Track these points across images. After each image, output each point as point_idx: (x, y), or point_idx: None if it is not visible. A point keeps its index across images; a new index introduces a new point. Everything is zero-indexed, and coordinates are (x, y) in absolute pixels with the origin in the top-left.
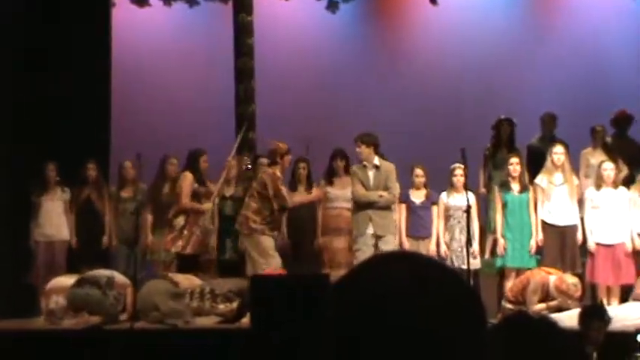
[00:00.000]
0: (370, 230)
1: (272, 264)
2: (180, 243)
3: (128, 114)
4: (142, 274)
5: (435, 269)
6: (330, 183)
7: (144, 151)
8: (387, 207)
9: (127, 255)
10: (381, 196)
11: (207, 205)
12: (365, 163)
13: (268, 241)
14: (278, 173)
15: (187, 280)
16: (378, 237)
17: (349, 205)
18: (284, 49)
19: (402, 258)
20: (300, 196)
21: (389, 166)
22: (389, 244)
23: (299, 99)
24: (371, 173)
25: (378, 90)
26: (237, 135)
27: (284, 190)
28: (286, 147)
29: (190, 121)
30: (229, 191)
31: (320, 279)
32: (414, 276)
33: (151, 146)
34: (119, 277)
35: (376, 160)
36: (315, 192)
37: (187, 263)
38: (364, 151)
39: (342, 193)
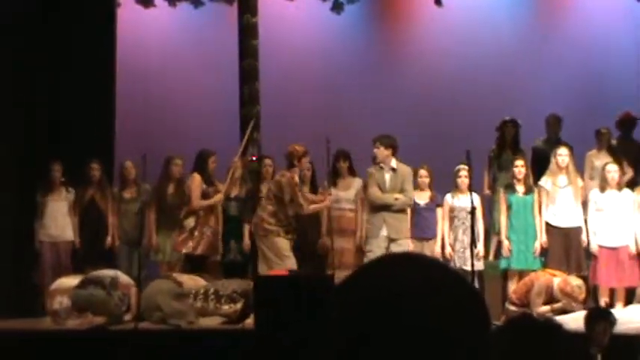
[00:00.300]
0: (384, 232)
1: (288, 265)
2: (191, 244)
3: (133, 114)
4: (144, 274)
5: (438, 271)
6: (334, 184)
7: (148, 151)
8: (401, 210)
9: (130, 255)
10: (396, 199)
11: (217, 197)
12: (382, 165)
13: (283, 242)
14: (296, 178)
15: (191, 281)
16: (391, 240)
17: (352, 206)
18: (289, 51)
19: (408, 259)
20: (315, 204)
21: (405, 169)
22: (402, 248)
23: (303, 100)
24: (387, 175)
25: (383, 91)
26: (241, 136)
27: (301, 196)
28: (303, 149)
29: (195, 122)
30: (234, 192)
31: (324, 280)
32: (424, 276)
33: (155, 147)
34: (123, 278)
35: (393, 163)
36: (328, 199)
37: (196, 264)
38: (382, 152)
39: (345, 195)
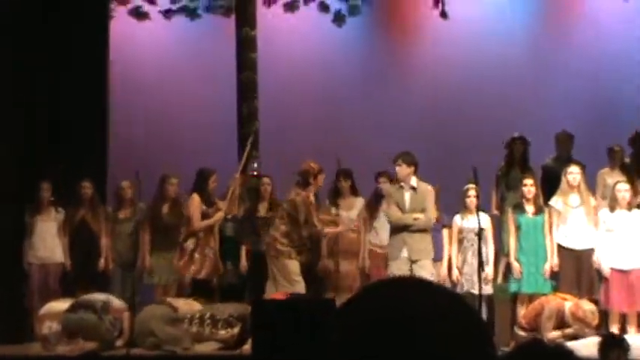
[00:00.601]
0: (404, 254)
1: (297, 289)
2: (193, 268)
3: (128, 128)
4: (138, 299)
5: (444, 297)
6: (335, 204)
7: (144, 166)
8: (423, 230)
9: (123, 278)
10: (415, 219)
11: (218, 215)
12: (402, 184)
13: (293, 265)
14: (312, 197)
15: (187, 305)
16: (412, 261)
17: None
18: (288, 64)
19: (410, 283)
20: (329, 228)
21: (426, 188)
22: (425, 269)
23: (303, 114)
24: (407, 195)
25: (386, 104)
26: (240, 153)
27: (316, 216)
28: (318, 167)
29: (192, 135)
30: (233, 212)
31: (324, 303)
32: (432, 302)
33: (151, 160)
34: (115, 302)
35: (413, 181)
36: (343, 225)
37: (200, 287)
38: (404, 170)
39: (347, 215)
